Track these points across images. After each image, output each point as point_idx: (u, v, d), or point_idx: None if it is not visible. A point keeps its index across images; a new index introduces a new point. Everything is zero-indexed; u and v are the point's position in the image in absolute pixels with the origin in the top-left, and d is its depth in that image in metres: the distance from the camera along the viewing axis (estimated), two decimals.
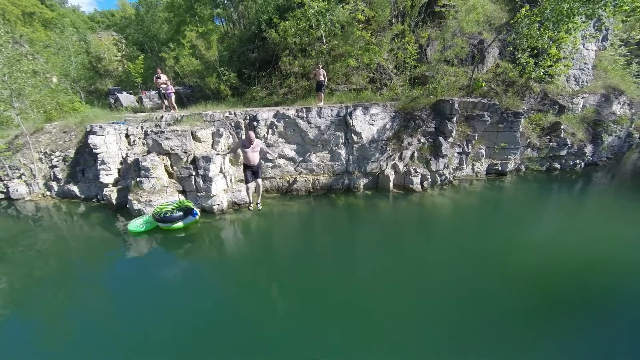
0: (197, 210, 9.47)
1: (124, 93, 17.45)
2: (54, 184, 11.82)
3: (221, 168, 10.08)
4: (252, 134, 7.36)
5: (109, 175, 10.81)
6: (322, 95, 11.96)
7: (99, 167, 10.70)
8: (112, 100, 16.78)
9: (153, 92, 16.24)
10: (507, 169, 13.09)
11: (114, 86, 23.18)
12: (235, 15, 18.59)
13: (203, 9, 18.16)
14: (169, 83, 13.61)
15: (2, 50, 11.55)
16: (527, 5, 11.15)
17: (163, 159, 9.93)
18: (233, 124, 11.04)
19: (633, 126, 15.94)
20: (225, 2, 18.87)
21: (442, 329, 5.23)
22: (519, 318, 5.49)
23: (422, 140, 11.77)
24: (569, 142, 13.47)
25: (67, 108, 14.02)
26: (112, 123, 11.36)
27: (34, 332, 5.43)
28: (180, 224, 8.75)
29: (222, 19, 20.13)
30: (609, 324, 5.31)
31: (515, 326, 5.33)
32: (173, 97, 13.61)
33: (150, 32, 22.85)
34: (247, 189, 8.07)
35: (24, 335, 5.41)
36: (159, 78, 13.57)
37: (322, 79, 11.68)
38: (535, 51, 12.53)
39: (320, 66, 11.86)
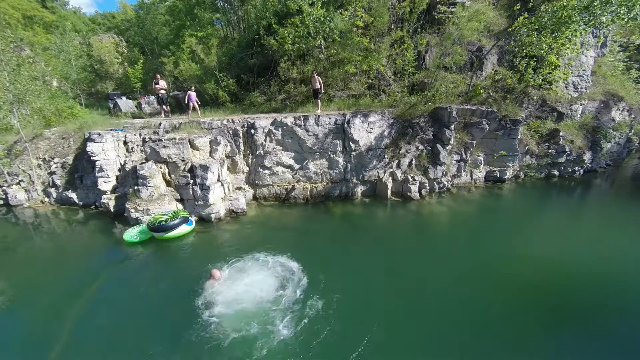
0: (193, 219, 9.48)
1: (123, 98, 17.49)
2: (52, 190, 11.84)
3: (219, 176, 10.09)
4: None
5: (107, 183, 10.81)
6: (319, 102, 11.96)
7: (97, 175, 10.71)
8: (111, 105, 16.82)
9: (152, 98, 16.27)
10: (506, 176, 13.07)
11: (113, 89, 23.29)
12: (234, 19, 18.61)
13: (203, 13, 18.19)
14: (192, 89, 12.91)
15: (4, 57, 11.58)
16: (526, 14, 11.14)
17: (161, 167, 9.95)
18: (231, 132, 11.05)
19: (632, 132, 15.90)
20: (225, 6, 18.90)
21: (439, 337, 5.30)
22: (517, 327, 5.52)
23: (420, 147, 11.77)
24: (567, 149, 13.45)
25: (66, 114, 14.05)
26: (111, 130, 11.38)
27: (28, 334, 5.56)
28: (175, 233, 8.75)
29: (222, 23, 20.16)
30: (607, 330, 5.35)
31: (514, 335, 5.35)
32: (194, 103, 12.72)
33: (150, 34, 22.90)
34: None
35: (18, 337, 5.55)
36: (158, 83, 13.60)
37: (319, 86, 11.69)
38: (535, 59, 12.52)
39: (316, 74, 11.85)
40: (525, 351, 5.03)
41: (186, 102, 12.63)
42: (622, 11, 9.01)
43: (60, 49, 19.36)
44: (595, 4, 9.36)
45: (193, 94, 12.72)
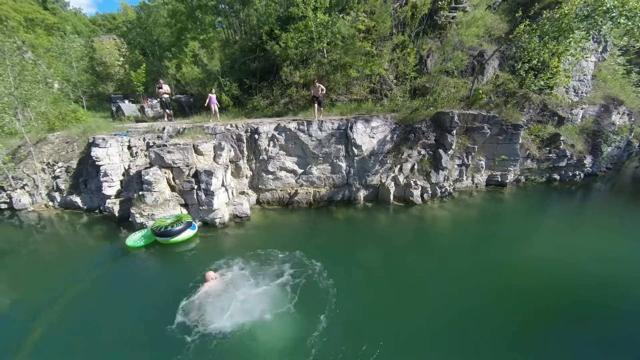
0: (196, 224, 9.55)
1: (126, 102, 17.52)
2: (56, 194, 11.89)
3: (223, 181, 10.15)
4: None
5: (111, 187, 10.88)
6: (322, 109, 11.91)
7: (101, 179, 10.77)
8: (113, 109, 16.85)
9: (155, 101, 16.32)
10: (507, 180, 13.17)
11: (115, 91, 23.30)
12: (236, 22, 18.65)
13: (204, 16, 18.21)
14: (212, 92, 13.07)
15: (10, 62, 11.62)
16: (527, 20, 11.22)
17: (165, 173, 10.01)
18: (234, 137, 11.12)
19: (632, 135, 15.99)
20: (227, 9, 18.94)
21: (441, 339, 5.40)
22: (518, 328, 5.63)
23: (422, 152, 11.85)
24: (568, 154, 13.54)
25: (69, 118, 14.09)
26: (115, 134, 11.45)
27: (28, 335, 5.66)
28: (178, 238, 8.81)
29: (223, 25, 20.20)
30: (608, 332, 5.47)
31: (515, 336, 5.46)
32: (215, 106, 12.98)
33: (151, 36, 22.95)
34: None
35: (18, 338, 5.65)
36: (161, 88, 13.65)
37: (321, 93, 11.47)
38: (537, 60, 12.55)
39: (317, 81, 11.67)
40: (527, 352, 5.13)
41: (207, 104, 13.08)
42: (622, 21, 9.09)
43: (61, 51, 19.41)
44: (596, 12, 9.44)
45: (213, 97, 12.97)
